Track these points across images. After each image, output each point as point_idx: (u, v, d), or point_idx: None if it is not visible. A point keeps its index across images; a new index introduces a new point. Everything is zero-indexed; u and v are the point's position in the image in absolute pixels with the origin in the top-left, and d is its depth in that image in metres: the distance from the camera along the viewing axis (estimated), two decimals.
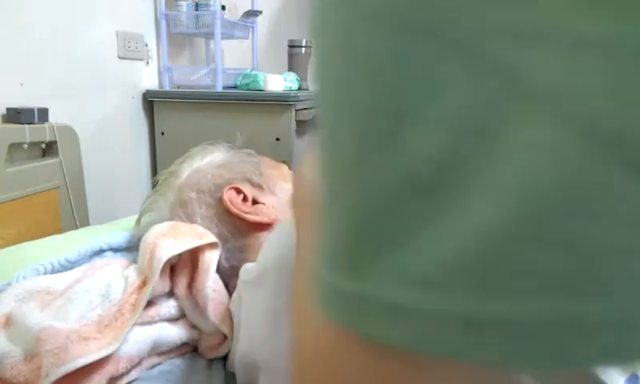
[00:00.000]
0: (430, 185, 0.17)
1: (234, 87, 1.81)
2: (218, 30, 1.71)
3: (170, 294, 0.59)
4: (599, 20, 0.14)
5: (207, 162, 0.71)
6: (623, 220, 0.15)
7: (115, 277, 0.58)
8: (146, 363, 0.54)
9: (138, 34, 1.70)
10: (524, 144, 0.16)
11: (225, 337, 0.57)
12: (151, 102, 1.77)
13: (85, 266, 0.68)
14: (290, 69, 1.88)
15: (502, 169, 0.16)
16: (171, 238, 0.59)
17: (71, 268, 0.69)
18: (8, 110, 1.22)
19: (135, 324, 0.52)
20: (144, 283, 0.56)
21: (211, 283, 0.57)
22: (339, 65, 0.20)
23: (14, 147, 1.19)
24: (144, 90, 1.75)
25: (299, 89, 1.76)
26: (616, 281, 0.16)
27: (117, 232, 0.79)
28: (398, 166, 0.18)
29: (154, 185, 0.76)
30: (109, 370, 0.48)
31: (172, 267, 0.60)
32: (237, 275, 0.56)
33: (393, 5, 0.17)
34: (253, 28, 2.04)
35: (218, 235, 0.63)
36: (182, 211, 0.67)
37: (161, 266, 0.55)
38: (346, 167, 0.20)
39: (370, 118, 0.19)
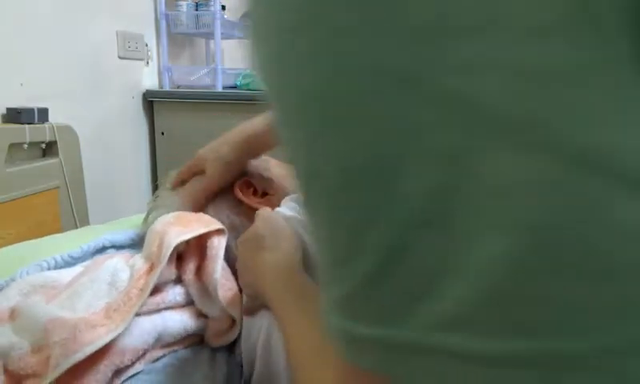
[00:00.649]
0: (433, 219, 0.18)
1: (234, 87, 1.81)
2: (218, 30, 1.71)
3: (177, 281, 0.59)
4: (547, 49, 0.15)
5: None
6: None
7: (121, 266, 0.58)
8: (150, 356, 0.54)
9: (138, 33, 1.70)
10: (505, 173, 0.16)
11: (233, 321, 0.58)
12: (151, 102, 1.77)
13: (88, 262, 0.68)
14: None
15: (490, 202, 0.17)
16: (179, 226, 0.59)
17: (74, 264, 0.69)
18: (8, 109, 1.22)
19: (141, 313, 0.52)
20: (151, 268, 0.56)
21: (220, 268, 0.58)
22: (315, 112, 0.20)
23: (14, 147, 1.19)
24: (144, 90, 1.75)
25: None
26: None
27: (120, 230, 0.79)
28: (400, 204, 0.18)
29: (155, 184, 0.77)
30: (114, 362, 0.48)
31: (179, 256, 0.60)
32: None
33: (369, 53, 0.17)
34: None
35: (230, 225, 0.65)
36: None
37: (170, 250, 0.55)
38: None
39: (360, 162, 0.19)
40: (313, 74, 0.19)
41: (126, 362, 0.49)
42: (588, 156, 0.15)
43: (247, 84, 1.73)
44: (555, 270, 0.16)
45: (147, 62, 1.77)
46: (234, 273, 0.60)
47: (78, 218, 1.36)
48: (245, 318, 0.55)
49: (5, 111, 1.22)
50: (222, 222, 0.64)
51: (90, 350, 0.45)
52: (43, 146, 1.28)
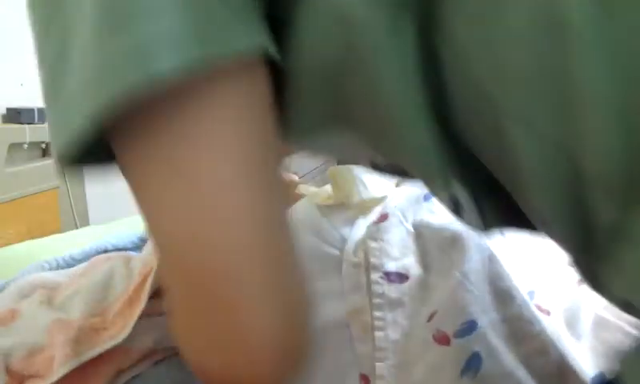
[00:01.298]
0: None
1: None
2: None
3: None
4: None
5: None
6: None
7: (120, 268, 0.58)
8: (151, 359, 0.54)
9: None
10: None
11: None
12: None
13: (87, 263, 0.68)
14: None
15: None
16: None
17: (75, 266, 0.69)
18: (8, 110, 1.22)
19: (143, 315, 0.52)
20: (151, 271, 0.56)
21: None
22: None
23: (14, 147, 1.19)
24: None
25: None
26: None
27: (122, 232, 0.79)
28: None
29: None
30: (117, 363, 0.48)
31: None
32: None
33: None
34: None
35: None
36: None
37: None
38: None
39: None
40: None
41: (128, 363, 0.50)
42: None
43: None
44: None
45: None
46: None
47: (77, 218, 1.36)
48: None
49: (5, 111, 1.22)
50: None
51: (95, 352, 0.45)
52: (43, 145, 1.28)
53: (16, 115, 1.21)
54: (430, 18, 0.25)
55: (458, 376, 0.42)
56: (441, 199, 0.32)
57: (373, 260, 0.49)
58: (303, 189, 0.63)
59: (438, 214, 0.53)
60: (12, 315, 0.55)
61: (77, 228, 1.27)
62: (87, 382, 0.46)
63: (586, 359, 0.44)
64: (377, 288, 0.48)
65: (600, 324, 0.47)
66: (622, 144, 0.22)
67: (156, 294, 0.56)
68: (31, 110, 1.22)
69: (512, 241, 0.51)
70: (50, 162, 1.28)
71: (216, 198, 0.24)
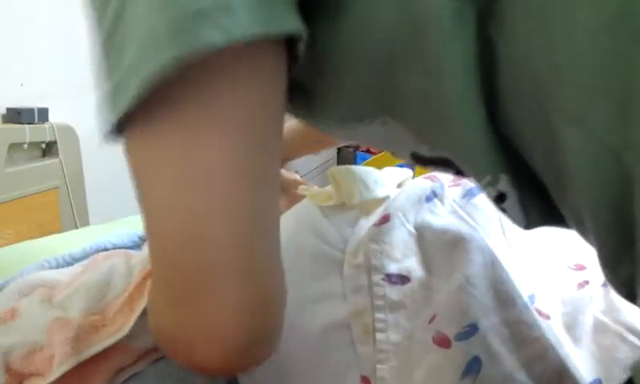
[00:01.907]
0: None
1: None
2: None
3: None
4: None
5: None
6: None
7: (120, 266, 0.58)
8: (151, 356, 0.54)
9: None
10: None
11: None
12: None
13: (87, 261, 0.68)
14: None
15: None
16: None
17: (75, 264, 0.69)
18: (8, 110, 1.22)
19: (143, 313, 0.52)
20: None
21: None
22: None
23: (14, 147, 1.19)
24: None
25: None
26: None
27: (122, 231, 0.79)
28: None
29: None
30: (117, 361, 0.48)
31: None
32: None
33: None
34: None
35: None
36: None
37: None
38: None
39: None
40: None
41: (129, 360, 0.50)
42: None
43: None
44: None
45: None
46: None
47: (78, 218, 1.36)
48: None
49: (5, 111, 1.22)
50: None
51: (94, 350, 0.45)
52: (43, 146, 1.28)
53: (16, 115, 1.21)
54: (489, 10, 0.25)
55: (458, 379, 0.42)
56: (488, 194, 0.31)
57: (374, 261, 0.49)
58: (304, 189, 0.63)
59: (440, 215, 0.52)
60: (12, 314, 0.54)
61: (77, 228, 1.27)
62: (87, 380, 0.46)
63: (584, 365, 0.44)
64: (378, 290, 0.48)
65: (599, 328, 0.47)
66: None
67: None
68: (31, 110, 1.22)
69: (512, 243, 0.51)
70: (50, 162, 1.28)
71: (207, 176, 0.25)
